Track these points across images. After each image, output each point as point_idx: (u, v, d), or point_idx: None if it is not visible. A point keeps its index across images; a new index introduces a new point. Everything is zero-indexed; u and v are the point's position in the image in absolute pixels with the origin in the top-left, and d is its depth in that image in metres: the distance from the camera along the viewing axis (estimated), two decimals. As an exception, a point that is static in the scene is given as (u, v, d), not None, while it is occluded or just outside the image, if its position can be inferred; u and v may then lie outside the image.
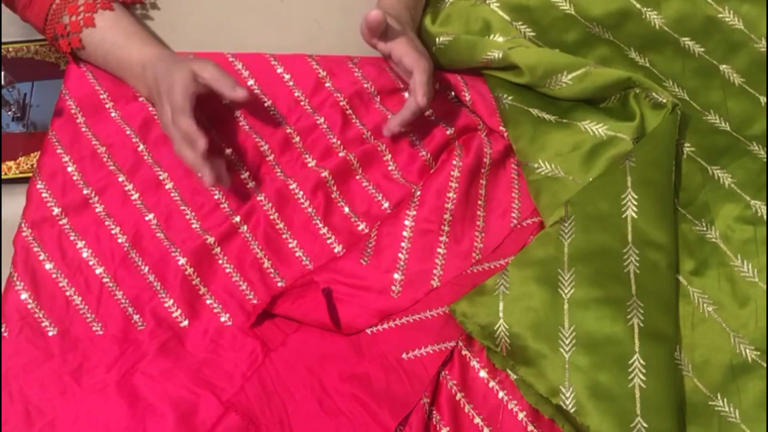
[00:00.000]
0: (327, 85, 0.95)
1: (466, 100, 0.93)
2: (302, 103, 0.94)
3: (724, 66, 0.93)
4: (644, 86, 0.90)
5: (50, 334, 0.81)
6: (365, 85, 0.93)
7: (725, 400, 0.81)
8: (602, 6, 0.93)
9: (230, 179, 0.86)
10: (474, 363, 0.80)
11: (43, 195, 0.87)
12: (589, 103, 0.93)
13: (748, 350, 0.82)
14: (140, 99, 0.93)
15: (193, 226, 0.87)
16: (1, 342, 0.80)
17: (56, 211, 0.87)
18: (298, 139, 0.92)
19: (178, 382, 0.79)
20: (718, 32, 0.93)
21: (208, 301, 0.84)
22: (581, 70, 0.90)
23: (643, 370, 0.75)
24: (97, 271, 0.85)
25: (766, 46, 0.92)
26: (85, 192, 0.88)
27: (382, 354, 0.80)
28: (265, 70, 0.94)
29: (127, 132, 0.91)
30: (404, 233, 0.85)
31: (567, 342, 0.76)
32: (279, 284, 0.86)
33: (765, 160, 0.91)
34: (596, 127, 0.89)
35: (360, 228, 0.89)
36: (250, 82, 0.93)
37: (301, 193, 0.89)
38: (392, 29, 0.86)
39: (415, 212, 0.86)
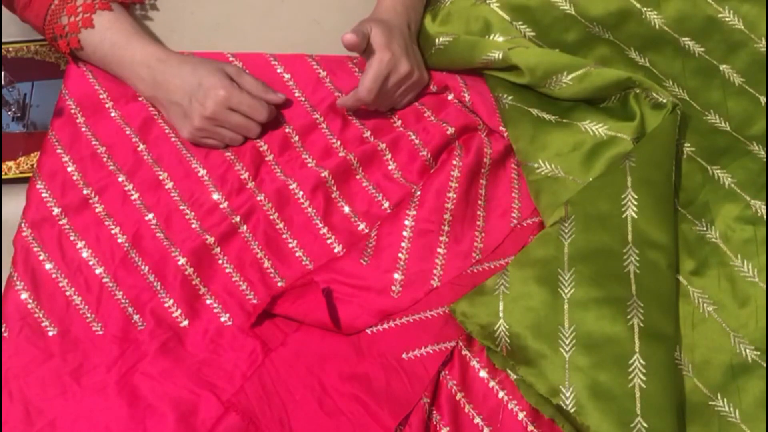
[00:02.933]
0: (327, 84, 0.95)
1: (465, 100, 0.93)
2: (302, 103, 0.94)
3: (724, 66, 0.93)
4: (644, 86, 0.89)
5: (50, 334, 0.81)
6: (365, 85, 0.93)
7: (725, 400, 0.80)
8: (602, 6, 0.93)
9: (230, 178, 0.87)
10: (474, 363, 0.80)
11: (43, 195, 0.87)
12: (589, 103, 0.93)
13: (748, 350, 0.82)
14: (140, 99, 0.92)
15: (193, 225, 0.87)
16: (1, 342, 0.80)
17: (56, 211, 0.87)
18: (297, 138, 0.92)
19: (178, 382, 0.79)
20: (718, 32, 0.93)
21: (208, 301, 0.84)
22: (581, 71, 0.90)
23: (643, 370, 0.75)
24: (97, 271, 0.85)
25: (766, 46, 0.92)
26: (85, 192, 0.88)
27: (382, 354, 0.80)
28: (265, 69, 0.94)
29: (127, 132, 0.91)
30: (404, 233, 0.85)
31: (567, 342, 0.76)
32: (279, 284, 0.85)
33: (765, 160, 0.91)
34: (596, 127, 0.89)
35: (360, 228, 0.89)
36: (250, 82, 0.93)
37: (301, 193, 0.89)
38: (375, 43, 0.86)
39: (415, 212, 0.86)
